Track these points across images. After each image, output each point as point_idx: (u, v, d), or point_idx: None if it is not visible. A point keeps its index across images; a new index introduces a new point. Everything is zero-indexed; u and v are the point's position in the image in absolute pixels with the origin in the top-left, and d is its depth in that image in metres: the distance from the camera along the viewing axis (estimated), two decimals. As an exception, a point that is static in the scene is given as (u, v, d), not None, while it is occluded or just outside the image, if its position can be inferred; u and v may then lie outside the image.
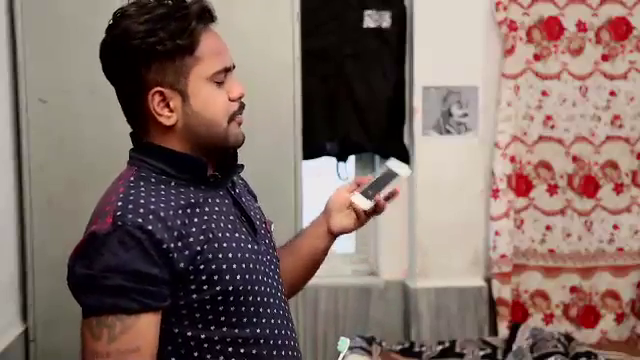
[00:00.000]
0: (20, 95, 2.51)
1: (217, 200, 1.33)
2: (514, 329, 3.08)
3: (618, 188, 3.25)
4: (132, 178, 1.31)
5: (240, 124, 1.35)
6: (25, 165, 2.53)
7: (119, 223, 1.20)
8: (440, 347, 3.01)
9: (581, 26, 3.17)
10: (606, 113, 3.21)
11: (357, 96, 3.09)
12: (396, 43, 3.11)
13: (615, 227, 3.25)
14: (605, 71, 3.19)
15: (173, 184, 1.30)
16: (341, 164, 3.11)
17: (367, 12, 3.08)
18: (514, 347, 2.93)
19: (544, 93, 3.19)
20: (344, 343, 1.44)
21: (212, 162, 1.37)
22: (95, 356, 1.23)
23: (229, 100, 1.32)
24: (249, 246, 1.34)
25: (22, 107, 2.51)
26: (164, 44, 1.24)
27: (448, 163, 3.11)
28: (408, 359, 2.96)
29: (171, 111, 1.29)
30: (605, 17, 3.17)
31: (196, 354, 1.28)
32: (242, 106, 1.35)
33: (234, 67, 1.35)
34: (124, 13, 1.28)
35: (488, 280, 3.20)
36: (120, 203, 1.24)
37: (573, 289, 3.26)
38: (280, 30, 2.61)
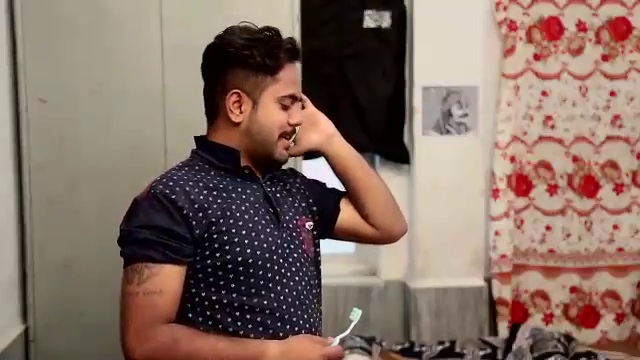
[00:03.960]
0: (20, 95, 2.51)
1: (247, 190, 1.58)
2: (514, 329, 3.08)
3: (618, 188, 3.25)
4: (181, 164, 1.61)
5: (287, 148, 1.62)
6: (25, 165, 2.53)
7: (152, 191, 1.50)
8: (440, 347, 3.01)
9: (581, 26, 3.17)
10: (606, 113, 3.22)
11: (357, 96, 3.09)
12: (396, 43, 3.11)
13: (615, 227, 3.25)
14: (605, 71, 3.19)
15: (213, 172, 1.57)
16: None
17: (367, 12, 3.08)
18: (514, 347, 2.93)
19: (544, 93, 3.19)
20: (356, 313, 1.53)
21: (253, 163, 1.61)
22: (128, 296, 1.47)
23: (287, 123, 1.60)
24: (267, 230, 1.55)
25: (22, 107, 2.51)
26: (254, 59, 1.54)
27: (448, 163, 3.11)
28: (408, 359, 2.96)
29: (241, 112, 1.57)
30: (605, 17, 3.17)
31: (208, 313, 1.51)
32: (293, 132, 1.62)
33: (302, 100, 1.66)
34: (232, 29, 1.59)
35: (488, 280, 3.20)
36: (159, 178, 1.54)
37: (573, 289, 3.27)
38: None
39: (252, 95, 1.56)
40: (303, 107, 1.71)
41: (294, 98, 1.61)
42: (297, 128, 1.65)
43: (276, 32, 1.59)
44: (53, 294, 2.55)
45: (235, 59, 1.55)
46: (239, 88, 1.55)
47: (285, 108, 1.59)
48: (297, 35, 2.64)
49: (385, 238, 1.79)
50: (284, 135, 1.60)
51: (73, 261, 2.55)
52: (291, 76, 1.61)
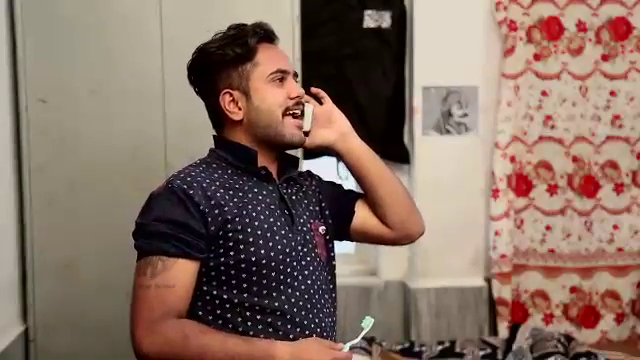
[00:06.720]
0: (20, 95, 2.51)
1: (264, 192, 1.59)
2: (514, 329, 3.08)
3: (618, 188, 3.25)
4: (199, 161, 1.62)
5: (299, 127, 1.62)
6: (25, 165, 2.53)
7: (169, 186, 1.52)
8: (440, 347, 3.01)
9: (581, 26, 3.17)
10: (606, 113, 3.22)
11: (357, 96, 3.09)
12: (396, 43, 3.11)
13: (615, 227, 3.25)
14: (605, 71, 3.19)
15: (230, 171, 1.59)
16: (341, 164, 3.10)
17: (367, 12, 3.08)
18: (514, 347, 2.93)
19: (544, 93, 3.19)
20: (368, 321, 1.53)
21: (272, 160, 1.64)
22: (140, 288, 1.48)
23: (288, 98, 1.60)
24: (282, 232, 1.55)
25: (22, 107, 2.51)
26: (229, 55, 1.58)
27: (448, 163, 3.11)
28: (408, 359, 2.96)
29: (239, 109, 1.60)
30: (605, 17, 3.17)
31: (219, 312, 1.51)
32: (298, 103, 1.62)
33: (296, 75, 1.66)
34: (202, 44, 1.64)
35: (488, 280, 3.20)
36: (176, 173, 1.56)
37: (573, 289, 3.26)
38: (280, 32, 2.60)
39: (241, 88, 1.59)
40: (321, 103, 1.72)
41: (284, 72, 1.61)
42: (306, 107, 1.64)
43: (242, 25, 1.63)
44: (53, 294, 2.55)
45: (214, 63, 1.60)
46: (228, 87, 1.59)
47: (280, 85, 1.61)
48: (297, 35, 2.64)
49: (402, 238, 1.79)
50: (288, 112, 1.61)
51: (73, 261, 2.55)
52: (271, 54, 1.62)
